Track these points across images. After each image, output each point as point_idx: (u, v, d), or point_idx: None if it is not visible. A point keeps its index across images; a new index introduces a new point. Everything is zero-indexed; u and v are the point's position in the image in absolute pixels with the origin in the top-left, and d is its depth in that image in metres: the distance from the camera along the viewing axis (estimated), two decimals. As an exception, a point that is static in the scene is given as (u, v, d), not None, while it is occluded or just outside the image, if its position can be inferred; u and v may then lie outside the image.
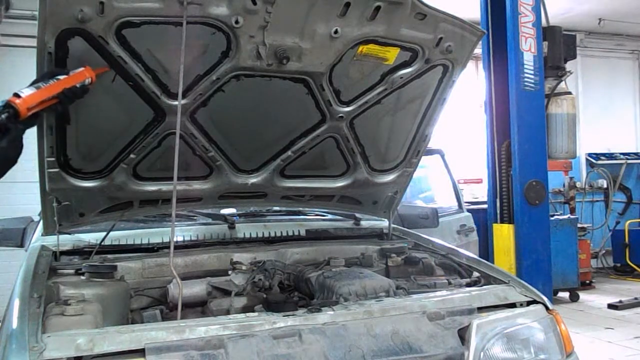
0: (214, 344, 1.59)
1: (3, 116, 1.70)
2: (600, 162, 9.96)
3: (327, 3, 1.99)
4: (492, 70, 6.35)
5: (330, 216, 3.24)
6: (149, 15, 1.86)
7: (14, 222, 3.13)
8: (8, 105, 1.71)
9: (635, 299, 7.04)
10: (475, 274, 2.41)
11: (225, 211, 3.04)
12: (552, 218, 6.94)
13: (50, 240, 2.42)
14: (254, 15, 1.94)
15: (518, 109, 5.94)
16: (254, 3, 1.90)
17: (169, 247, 2.00)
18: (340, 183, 2.78)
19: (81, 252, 2.47)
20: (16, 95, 1.73)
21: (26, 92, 1.75)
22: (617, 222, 9.78)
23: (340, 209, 3.06)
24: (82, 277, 2.11)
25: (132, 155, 2.28)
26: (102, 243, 2.48)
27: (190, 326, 1.64)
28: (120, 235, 2.60)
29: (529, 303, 2.09)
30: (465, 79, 7.42)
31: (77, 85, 1.85)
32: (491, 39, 6.24)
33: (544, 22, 6.21)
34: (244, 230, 2.84)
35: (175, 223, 2.01)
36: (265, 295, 2.21)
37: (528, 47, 5.94)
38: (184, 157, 2.33)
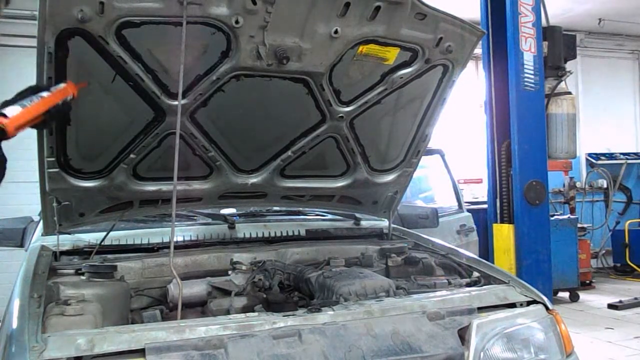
0: (214, 344, 1.59)
1: None
2: (600, 162, 9.95)
3: (327, 3, 1.99)
4: (492, 70, 6.35)
5: (330, 216, 3.24)
6: (149, 15, 1.87)
7: (14, 222, 3.13)
8: None
9: (635, 299, 7.04)
10: (475, 274, 2.41)
11: (225, 211, 3.04)
12: (552, 218, 6.93)
13: (50, 240, 2.42)
14: (254, 15, 1.94)
15: (518, 109, 5.94)
16: (254, 3, 1.90)
17: (169, 247, 2.00)
18: (340, 183, 2.78)
19: (81, 252, 2.47)
20: (1, 115, 1.64)
21: (12, 112, 1.67)
22: (617, 222, 9.77)
23: (340, 209, 3.06)
24: (82, 277, 2.11)
25: (132, 155, 2.28)
26: (102, 243, 2.48)
27: (190, 326, 1.64)
28: (120, 235, 2.60)
29: (529, 303, 2.09)
30: (465, 79, 7.42)
31: (60, 103, 1.80)
32: (491, 39, 6.24)
33: (544, 22, 6.20)
34: (244, 230, 2.84)
35: (175, 223, 2.00)
36: (265, 295, 2.21)
37: (528, 47, 5.94)
38: (184, 157, 2.33)
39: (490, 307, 2.01)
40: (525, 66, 5.93)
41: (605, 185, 9.84)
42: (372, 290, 2.08)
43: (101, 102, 2.08)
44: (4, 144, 1.71)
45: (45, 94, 1.77)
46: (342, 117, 2.43)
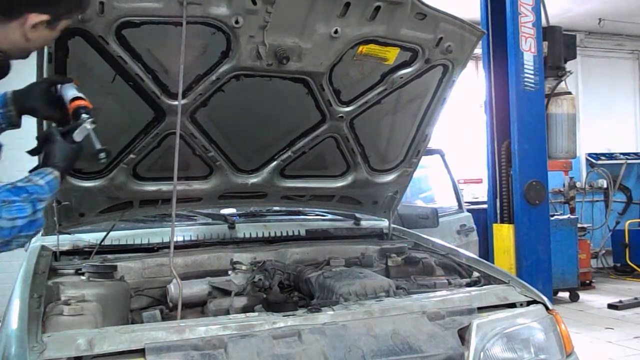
0: (214, 344, 1.59)
1: (88, 115, 1.68)
2: (600, 162, 9.94)
3: (327, 3, 1.99)
4: (492, 70, 6.34)
5: (330, 216, 3.24)
6: (149, 15, 1.87)
7: (14, 222, 3.12)
8: (85, 108, 1.68)
9: (635, 299, 7.03)
10: (475, 274, 2.41)
11: (225, 211, 3.04)
12: (552, 218, 6.92)
13: (50, 240, 2.42)
14: (254, 15, 1.94)
15: (518, 109, 5.93)
16: (254, 3, 1.90)
17: (169, 247, 2.00)
18: (340, 183, 2.78)
19: (81, 252, 2.47)
20: (80, 98, 1.70)
21: (81, 94, 1.73)
22: (617, 222, 9.76)
23: (340, 209, 3.06)
24: (82, 277, 2.10)
25: (132, 155, 2.28)
26: (102, 243, 2.48)
27: (190, 326, 1.64)
28: (120, 235, 2.60)
29: (529, 303, 2.09)
30: (465, 79, 7.41)
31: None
32: (491, 39, 6.22)
33: (544, 22, 6.20)
34: (244, 230, 2.84)
35: (175, 223, 2.00)
36: (265, 295, 2.21)
37: (528, 47, 5.93)
38: (184, 157, 2.33)
39: (490, 307, 2.01)
40: (525, 66, 5.92)
41: (605, 185, 9.83)
42: (372, 290, 2.08)
43: (101, 102, 2.08)
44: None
45: (72, 83, 1.78)
46: (342, 117, 2.43)
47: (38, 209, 1.51)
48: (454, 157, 6.74)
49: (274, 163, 2.58)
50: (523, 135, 5.96)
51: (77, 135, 1.64)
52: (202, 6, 1.89)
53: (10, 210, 1.45)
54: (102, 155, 1.69)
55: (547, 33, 6.27)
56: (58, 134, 1.65)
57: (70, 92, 1.73)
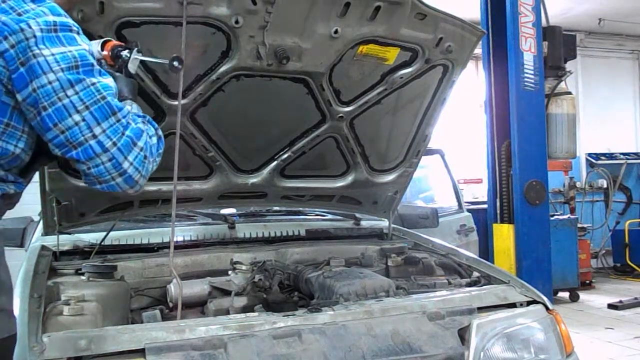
0: (214, 344, 1.59)
1: (128, 48, 1.69)
2: (600, 162, 9.93)
3: (327, 3, 2.00)
4: (492, 70, 6.34)
5: (330, 216, 3.24)
6: (149, 15, 1.87)
7: (14, 222, 3.12)
8: (119, 46, 1.68)
9: (635, 299, 7.03)
10: (475, 274, 2.41)
11: (225, 211, 3.04)
12: (552, 218, 6.92)
13: (50, 240, 2.42)
14: (254, 15, 1.94)
15: (518, 109, 5.93)
16: (254, 3, 1.90)
17: (169, 247, 2.00)
18: (340, 183, 2.78)
19: (81, 252, 2.47)
20: (108, 41, 1.68)
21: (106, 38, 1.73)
22: (617, 222, 9.75)
23: (340, 209, 3.06)
24: (82, 277, 2.11)
25: (132, 155, 2.27)
26: (102, 243, 2.48)
27: (190, 326, 1.64)
28: (120, 235, 2.60)
29: (529, 303, 2.09)
30: (465, 79, 7.41)
31: None
32: (491, 39, 6.22)
33: (544, 22, 6.20)
34: (244, 230, 2.83)
35: (175, 223, 2.00)
36: (265, 295, 2.21)
37: (528, 47, 5.93)
38: (184, 157, 2.33)
39: (490, 307, 2.01)
40: (525, 66, 5.92)
41: (605, 185, 9.82)
42: (372, 290, 2.08)
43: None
44: None
45: None
46: (342, 117, 2.44)
47: (156, 127, 1.60)
48: (454, 157, 6.74)
49: (274, 163, 2.58)
50: (523, 135, 5.95)
51: (131, 67, 1.66)
52: (202, 6, 1.89)
53: (149, 129, 1.55)
54: (175, 63, 1.71)
55: (547, 33, 6.27)
56: (114, 72, 1.66)
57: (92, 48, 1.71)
